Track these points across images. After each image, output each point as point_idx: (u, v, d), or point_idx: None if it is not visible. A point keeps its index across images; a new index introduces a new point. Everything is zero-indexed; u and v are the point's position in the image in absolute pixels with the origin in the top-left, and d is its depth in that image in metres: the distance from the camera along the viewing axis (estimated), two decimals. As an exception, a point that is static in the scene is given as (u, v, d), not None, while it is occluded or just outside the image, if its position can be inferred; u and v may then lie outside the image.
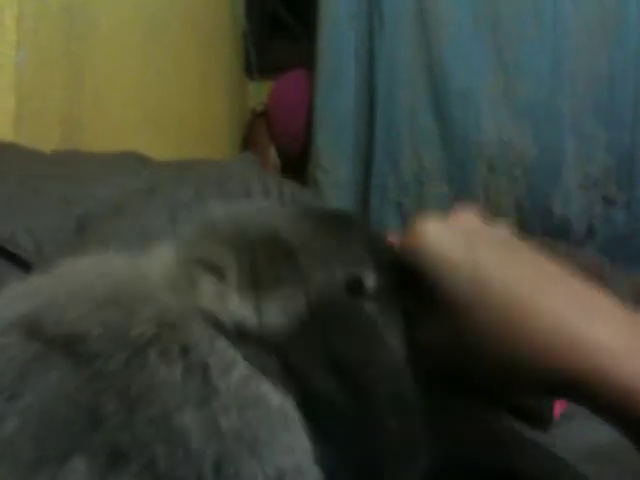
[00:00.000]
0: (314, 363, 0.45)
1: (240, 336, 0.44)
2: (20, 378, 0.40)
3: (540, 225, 1.71)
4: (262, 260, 0.47)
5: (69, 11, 1.22)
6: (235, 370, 0.43)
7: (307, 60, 1.96)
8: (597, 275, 1.08)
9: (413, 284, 0.50)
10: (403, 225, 1.80)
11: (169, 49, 1.70)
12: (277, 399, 0.44)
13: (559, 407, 0.76)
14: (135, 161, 0.97)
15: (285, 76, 2.14)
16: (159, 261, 0.49)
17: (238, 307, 0.45)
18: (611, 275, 1.17)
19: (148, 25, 1.57)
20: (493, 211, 1.73)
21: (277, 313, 0.46)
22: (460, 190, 1.77)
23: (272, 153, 2.11)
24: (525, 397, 0.69)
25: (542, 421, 0.72)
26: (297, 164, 2.00)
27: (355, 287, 0.50)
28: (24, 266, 0.71)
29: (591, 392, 0.44)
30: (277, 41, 2.33)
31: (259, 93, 2.27)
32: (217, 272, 0.46)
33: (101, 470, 0.40)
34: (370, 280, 0.51)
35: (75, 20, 1.25)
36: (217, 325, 0.44)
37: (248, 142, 2.24)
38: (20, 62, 1.10)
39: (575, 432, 0.69)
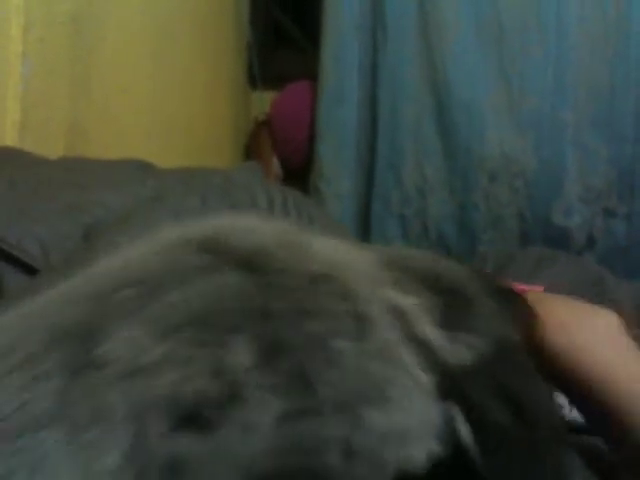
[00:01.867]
0: (492, 398, 0.52)
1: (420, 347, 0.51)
2: (188, 278, 0.45)
3: (540, 235, 1.71)
4: (453, 305, 0.54)
5: (75, 21, 1.23)
6: (400, 327, 0.49)
7: (311, 71, 1.97)
8: (598, 286, 1.07)
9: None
10: (405, 237, 1.81)
11: (175, 59, 1.71)
12: (426, 377, 0.49)
13: None
14: (140, 168, 0.97)
15: (289, 87, 2.15)
16: (365, 258, 0.56)
17: (429, 329, 0.51)
18: (611, 285, 1.17)
19: (154, 36, 1.58)
20: (494, 221, 1.74)
21: (465, 350, 0.52)
22: (462, 202, 1.78)
23: (275, 163, 2.12)
24: None
25: None
26: (299, 174, 2.01)
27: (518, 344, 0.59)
28: (31, 272, 0.71)
29: None
30: (281, 52, 2.34)
31: (262, 103, 2.28)
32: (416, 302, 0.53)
33: (260, 356, 0.43)
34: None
35: (81, 30, 1.25)
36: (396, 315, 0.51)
37: (251, 151, 2.25)
38: (26, 72, 1.11)
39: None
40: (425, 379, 0.49)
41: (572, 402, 0.62)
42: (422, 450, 0.48)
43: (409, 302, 0.52)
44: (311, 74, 1.98)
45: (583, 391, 0.61)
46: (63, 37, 1.21)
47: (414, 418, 0.48)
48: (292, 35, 2.33)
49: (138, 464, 0.41)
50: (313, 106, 1.94)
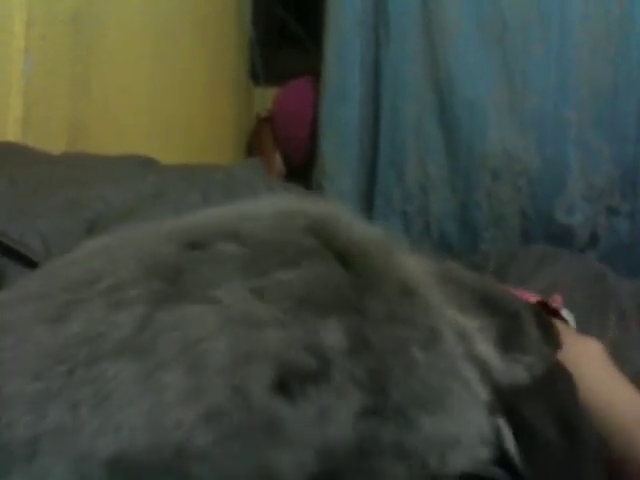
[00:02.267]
0: (544, 415, 0.57)
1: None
2: (295, 260, 0.48)
3: (543, 233, 1.71)
4: (509, 327, 0.60)
5: (78, 18, 1.23)
6: (463, 345, 0.53)
7: (313, 68, 1.97)
8: (600, 283, 1.08)
9: None
10: (407, 234, 1.81)
11: (176, 55, 1.71)
12: (483, 392, 0.54)
13: None
14: (142, 164, 0.97)
15: (291, 83, 2.14)
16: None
17: (487, 349, 0.56)
18: (614, 283, 1.17)
19: (156, 33, 1.58)
20: (496, 219, 1.73)
21: (521, 370, 0.58)
22: (464, 199, 1.77)
23: (277, 159, 2.11)
24: None
25: None
26: (302, 171, 2.01)
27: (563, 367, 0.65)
28: (33, 267, 0.71)
29: None
30: (283, 48, 2.34)
31: (264, 100, 2.28)
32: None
33: (350, 344, 0.45)
34: None
35: (83, 27, 1.25)
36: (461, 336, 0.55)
37: (253, 148, 2.24)
38: (28, 68, 1.11)
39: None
40: (483, 394, 0.53)
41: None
42: (467, 458, 0.50)
43: (471, 324, 0.56)
44: (313, 71, 1.97)
45: None
46: (64, 34, 1.20)
47: (467, 427, 0.51)
48: (294, 32, 2.33)
49: (228, 421, 0.40)
50: (315, 103, 1.94)
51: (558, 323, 0.76)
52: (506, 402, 0.55)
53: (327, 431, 0.43)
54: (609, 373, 0.68)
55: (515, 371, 0.58)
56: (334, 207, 0.56)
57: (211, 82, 1.98)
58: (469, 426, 0.51)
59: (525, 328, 0.62)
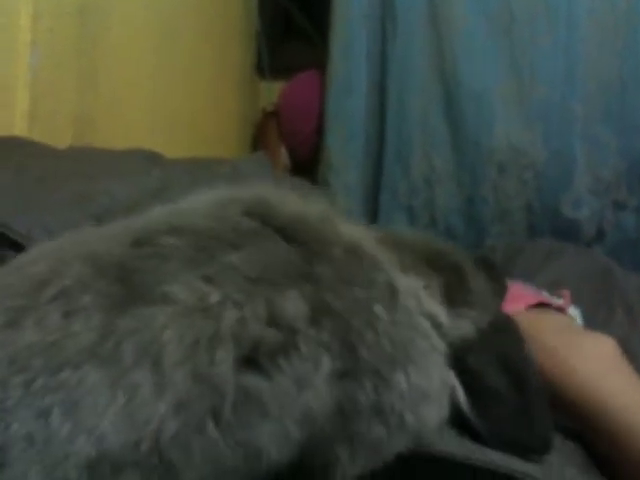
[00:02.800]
0: (491, 366, 0.58)
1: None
2: (240, 242, 0.49)
3: (549, 227, 1.71)
4: (453, 282, 0.61)
5: (84, 11, 1.23)
6: (414, 303, 0.54)
7: (319, 61, 1.96)
8: (606, 278, 1.07)
9: None
10: (413, 228, 1.81)
11: (182, 49, 1.70)
12: (440, 344, 0.55)
13: None
14: (147, 159, 0.97)
15: (297, 77, 2.14)
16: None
17: (435, 307, 0.57)
18: (620, 277, 1.16)
19: (161, 26, 1.58)
20: (502, 214, 1.73)
21: (467, 324, 0.59)
22: (470, 194, 1.77)
23: (283, 153, 2.11)
24: None
25: None
26: (307, 165, 2.01)
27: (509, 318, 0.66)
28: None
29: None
30: (289, 42, 2.34)
31: (270, 93, 2.28)
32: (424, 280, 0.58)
33: (312, 311, 0.46)
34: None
35: (90, 20, 1.25)
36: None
37: (258, 142, 2.24)
38: (34, 62, 1.11)
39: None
40: (441, 346, 0.55)
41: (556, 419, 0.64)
42: (437, 411, 0.51)
43: (416, 283, 0.56)
44: (320, 64, 1.97)
45: (572, 414, 0.65)
46: (71, 28, 1.20)
47: (433, 381, 0.53)
48: (301, 25, 2.32)
49: (198, 407, 0.42)
50: (321, 96, 1.94)
51: (566, 319, 0.76)
52: (455, 357, 0.57)
53: (305, 399, 0.44)
54: (624, 373, 0.67)
55: (461, 325, 0.59)
56: (265, 189, 0.57)
57: (216, 76, 1.98)
58: (434, 379, 0.53)
59: (469, 282, 0.63)
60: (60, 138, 1.15)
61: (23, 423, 0.39)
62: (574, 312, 0.82)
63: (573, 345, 0.68)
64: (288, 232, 0.51)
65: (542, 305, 0.78)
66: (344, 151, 1.89)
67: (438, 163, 1.79)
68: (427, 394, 0.52)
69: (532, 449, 0.58)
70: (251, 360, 0.44)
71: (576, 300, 0.84)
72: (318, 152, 1.95)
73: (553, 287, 0.87)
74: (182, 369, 0.42)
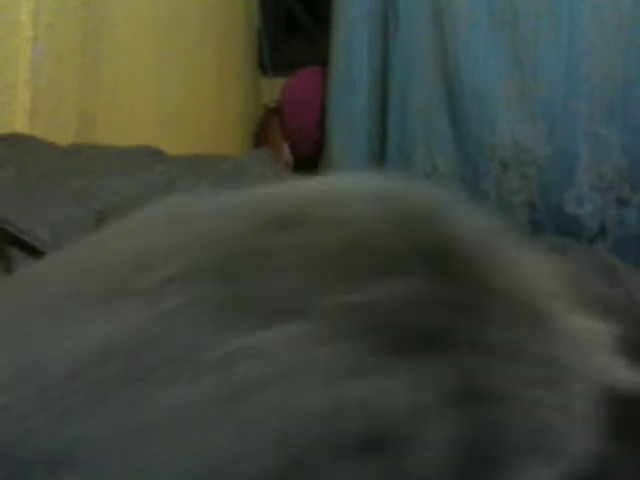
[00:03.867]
0: None
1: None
2: (393, 265, 0.36)
3: (552, 223, 1.70)
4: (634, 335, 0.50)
5: (86, 7, 1.22)
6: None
7: (321, 57, 1.96)
8: (608, 274, 1.07)
9: None
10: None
11: (184, 45, 1.70)
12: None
13: None
14: (150, 155, 0.97)
15: (299, 73, 2.14)
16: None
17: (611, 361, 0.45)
18: (623, 274, 1.16)
19: (164, 22, 1.58)
20: (505, 210, 1.73)
21: None
22: (473, 190, 1.77)
23: (285, 149, 2.11)
24: None
25: None
26: (310, 161, 2.00)
27: None
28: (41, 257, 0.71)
29: None
30: (291, 38, 2.33)
31: (272, 90, 2.27)
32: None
33: (454, 380, 0.35)
34: None
35: (92, 16, 1.25)
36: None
37: (260, 138, 2.24)
38: (36, 57, 1.10)
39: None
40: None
41: None
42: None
43: (598, 327, 0.45)
44: (321, 61, 1.97)
45: None
46: (73, 23, 1.20)
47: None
48: (303, 21, 2.32)
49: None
50: (323, 92, 1.93)
51: None
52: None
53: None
54: None
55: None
56: (437, 194, 0.44)
57: (219, 72, 1.97)
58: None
59: None
60: (62, 135, 1.15)
61: None
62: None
63: None
64: (453, 267, 0.38)
65: None
66: (346, 147, 1.89)
67: (441, 160, 1.79)
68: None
69: None
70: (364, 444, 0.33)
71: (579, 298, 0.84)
72: (320, 148, 1.95)
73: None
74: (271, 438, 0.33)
